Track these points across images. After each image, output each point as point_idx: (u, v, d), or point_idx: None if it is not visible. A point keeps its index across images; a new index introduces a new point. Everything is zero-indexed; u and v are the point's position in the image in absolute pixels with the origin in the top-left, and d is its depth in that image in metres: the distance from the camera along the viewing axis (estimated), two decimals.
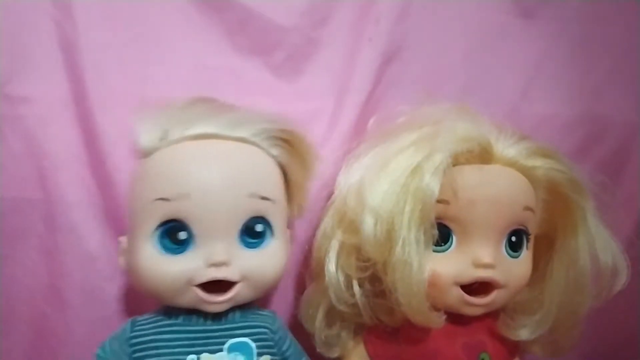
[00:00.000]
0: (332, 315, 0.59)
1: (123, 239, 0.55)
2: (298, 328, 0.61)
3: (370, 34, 0.69)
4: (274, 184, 0.55)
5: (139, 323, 0.54)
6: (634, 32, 0.75)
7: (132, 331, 0.53)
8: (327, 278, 0.56)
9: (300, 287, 0.66)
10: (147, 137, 0.52)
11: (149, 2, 0.67)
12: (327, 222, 0.59)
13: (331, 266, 0.56)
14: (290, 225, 0.60)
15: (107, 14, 0.65)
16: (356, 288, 0.56)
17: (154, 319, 0.54)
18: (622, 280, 0.54)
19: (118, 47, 0.66)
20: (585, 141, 0.75)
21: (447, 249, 0.53)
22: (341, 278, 0.56)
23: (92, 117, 0.64)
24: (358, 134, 0.68)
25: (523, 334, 0.55)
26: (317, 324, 0.59)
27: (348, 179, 0.57)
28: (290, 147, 0.56)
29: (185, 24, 0.68)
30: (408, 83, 0.71)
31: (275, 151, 0.55)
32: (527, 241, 0.55)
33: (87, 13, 0.65)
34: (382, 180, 0.53)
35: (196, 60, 0.68)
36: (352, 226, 0.54)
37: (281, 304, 0.68)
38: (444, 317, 0.53)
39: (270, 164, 0.55)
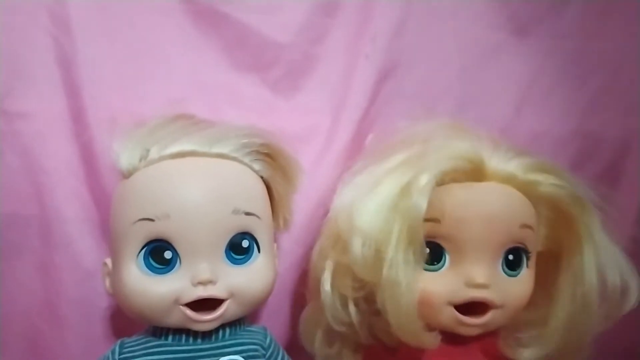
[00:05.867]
0: (332, 334, 0.58)
1: (108, 261, 0.52)
2: (297, 347, 0.60)
3: (367, 51, 0.69)
4: (257, 199, 0.53)
5: (128, 345, 0.51)
6: (627, 49, 0.74)
7: (120, 353, 0.51)
8: (322, 298, 0.55)
9: (298, 305, 0.65)
10: (126, 158, 0.51)
11: (147, 18, 0.66)
12: (323, 242, 0.57)
13: (326, 286, 0.54)
14: (276, 238, 0.58)
15: (105, 30, 0.64)
16: (352, 308, 0.54)
17: (143, 339, 0.51)
18: (633, 299, 0.51)
19: (115, 63, 0.64)
20: (578, 157, 0.74)
21: (440, 268, 0.51)
22: (336, 298, 0.54)
23: (89, 133, 0.63)
24: (355, 151, 0.67)
25: (526, 354, 0.52)
26: (317, 344, 0.58)
27: (340, 199, 0.56)
28: (272, 161, 0.55)
29: (183, 41, 0.67)
30: (404, 99, 0.71)
31: (257, 165, 0.54)
32: (527, 259, 0.52)
33: (85, 29, 0.63)
34: (370, 201, 0.51)
35: (194, 77, 0.67)
36: (345, 246, 0.52)
37: (279, 322, 0.67)
38: (439, 337, 0.51)
39: (252, 179, 0.53)
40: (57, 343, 0.64)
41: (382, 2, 0.70)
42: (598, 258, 0.51)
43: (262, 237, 0.52)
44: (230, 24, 0.68)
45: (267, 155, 0.54)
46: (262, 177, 0.55)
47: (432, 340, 0.51)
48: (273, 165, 0.55)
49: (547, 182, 0.52)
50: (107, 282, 0.53)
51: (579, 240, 0.51)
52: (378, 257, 0.49)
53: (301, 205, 0.65)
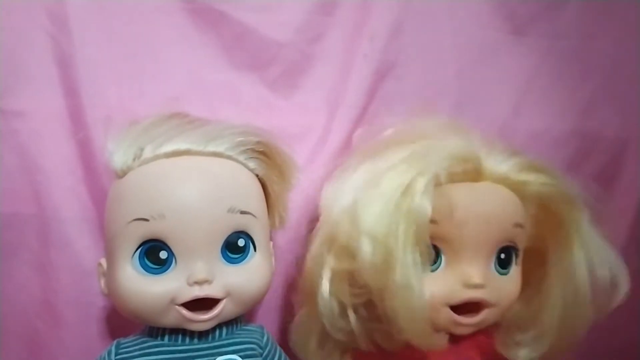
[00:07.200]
0: (325, 340, 0.57)
1: (102, 261, 0.52)
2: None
3: (365, 50, 0.69)
4: (253, 197, 0.53)
5: (124, 345, 0.51)
6: (625, 49, 0.75)
7: (117, 354, 0.50)
8: (320, 306, 0.53)
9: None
10: (120, 157, 0.51)
11: (145, 17, 0.66)
12: (317, 248, 0.55)
13: (324, 294, 0.53)
14: (272, 237, 0.58)
15: (103, 29, 0.64)
16: (351, 315, 0.53)
17: (139, 340, 0.51)
18: (623, 291, 0.52)
19: (114, 62, 0.64)
20: (576, 156, 0.74)
21: (436, 269, 0.51)
22: (335, 305, 0.53)
23: (87, 132, 0.62)
24: (350, 150, 0.67)
25: (522, 354, 0.53)
26: (311, 351, 0.57)
27: (339, 201, 0.53)
28: (267, 159, 0.54)
29: (181, 40, 0.67)
30: (402, 99, 0.71)
31: (252, 164, 0.53)
32: (516, 257, 0.53)
33: (83, 28, 0.63)
34: (374, 201, 0.49)
35: (192, 75, 0.67)
36: (344, 251, 0.51)
37: (277, 321, 0.66)
38: (447, 338, 0.52)
39: (248, 177, 0.53)
40: (55, 342, 0.63)
41: (380, 1, 0.70)
42: (587, 254, 0.52)
43: (258, 235, 0.52)
44: (228, 23, 0.68)
45: (263, 153, 0.54)
46: (257, 176, 0.54)
47: (440, 341, 0.51)
48: (268, 163, 0.55)
49: (537, 182, 0.52)
50: (102, 283, 0.52)
51: (568, 237, 0.52)
52: (387, 260, 0.47)
53: (300, 203, 0.65)
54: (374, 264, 0.48)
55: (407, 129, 0.57)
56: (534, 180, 0.52)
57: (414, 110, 0.69)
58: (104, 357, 0.51)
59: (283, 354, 0.55)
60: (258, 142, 0.53)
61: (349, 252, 0.50)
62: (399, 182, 0.49)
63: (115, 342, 0.52)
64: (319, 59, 0.70)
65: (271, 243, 0.56)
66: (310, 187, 0.65)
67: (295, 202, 0.64)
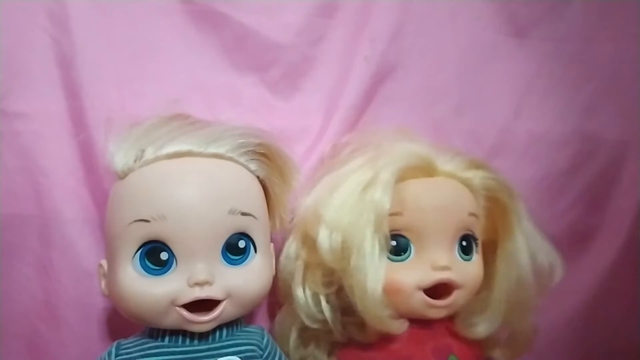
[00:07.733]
0: (305, 335, 0.60)
1: (103, 262, 0.52)
2: None
3: (366, 52, 0.69)
4: (254, 199, 0.53)
5: (124, 346, 0.51)
6: (625, 51, 0.75)
7: (117, 355, 0.50)
8: (295, 298, 0.57)
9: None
10: (122, 159, 0.51)
11: (146, 18, 0.66)
12: (290, 245, 0.60)
13: (298, 286, 0.57)
14: (272, 238, 0.58)
15: (104, 30, 0.64)
16: (324, 304, 0.57)
17: (140, 341, 0.51)
18: (559, 274, 0.58)
19: (114, 64, 0.64)
20: (577, 158, 0.75)
21: (407, 258, 0.55)
22: (309, 296, 0.57)
23: (88, 134, 0.62)
24: None
25: (480, 330, 0.57)
26: (291, 345, 0.60)
27: (307, 202, 0.59)
28: (268, 161, 0.55)
29: (182, 41, 0.67)
30: (402, 101, 0.71)
31: (253, 165, 0.54)
32: (476, 245, 0.58)
33: (84, 29, 0.63)
34: (335, 197, 0.55)
35: (193, 77, 0.67)
36: (313, 244, 0.55)
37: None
38: (406, 324, 0.55)
39: (248, 179, 0.53)
40: (55, 343, 0.63)
41: (381, 4, 0.70)
42: (527, 241, 0.58)
43: (259, 237, 0.52)
44: (229, 25, 0.68)
45: (263, 155, 0.54)
46: (258, 177, 0.55)
47: (398, 326, 0.55)
48: (269, 165, 0.55)
49: (479, 176, 0.58)
50: (103, 284, 0.53)
51: (511, 226, 0.58)
52: (345, 245, 0.53)
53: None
54: (332, 248, 0.53)
55: (363, 140, 0.63)
56: (476, 175, 0.58)
57: (414, 112, 0.69)
58: (104, 358, 0.51)
59: (283, 356, 0.55)
60: (259, 144, 0.54)
61: (315, 243, 0.55)
62: (360, 180, 0.55)
63: (115, 343, 0.52)
64: (320, 61, 0.71)
65: (272, 245, 0.56)
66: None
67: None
